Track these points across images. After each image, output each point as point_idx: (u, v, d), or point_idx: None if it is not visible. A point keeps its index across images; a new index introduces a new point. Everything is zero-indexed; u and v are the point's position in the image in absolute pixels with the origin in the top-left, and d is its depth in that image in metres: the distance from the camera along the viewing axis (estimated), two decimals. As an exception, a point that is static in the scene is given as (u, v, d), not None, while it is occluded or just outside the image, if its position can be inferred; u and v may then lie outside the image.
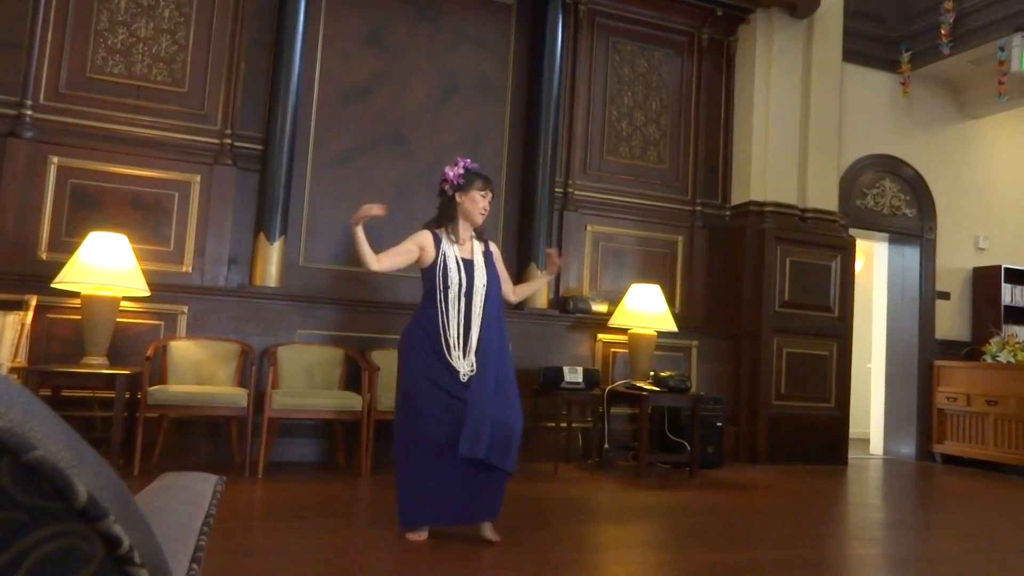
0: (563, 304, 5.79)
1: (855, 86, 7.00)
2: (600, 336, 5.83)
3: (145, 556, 0.59)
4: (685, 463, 5.34)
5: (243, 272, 5.08)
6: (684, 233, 6.33)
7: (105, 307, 4.24)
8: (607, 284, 6.03)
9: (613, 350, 5.88)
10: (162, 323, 4.76)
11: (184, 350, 4.69)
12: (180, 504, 1.10)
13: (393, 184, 5.46)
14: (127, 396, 4.17)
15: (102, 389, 4.24)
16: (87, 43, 4.89)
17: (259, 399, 4.39)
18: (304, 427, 4.92)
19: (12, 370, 4.02)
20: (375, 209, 3.10)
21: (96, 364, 4.19)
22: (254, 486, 4.08)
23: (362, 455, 4.54)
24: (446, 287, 3.17)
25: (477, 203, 3.29)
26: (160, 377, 4.54)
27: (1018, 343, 6.69)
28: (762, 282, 6.19)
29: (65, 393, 4.33)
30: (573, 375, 5.22)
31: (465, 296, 3.18)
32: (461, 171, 3.29)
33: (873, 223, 7.13)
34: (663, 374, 5.33)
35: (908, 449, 7.18)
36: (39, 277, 4.41)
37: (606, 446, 5.44)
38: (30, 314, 4.27)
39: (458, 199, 3.28)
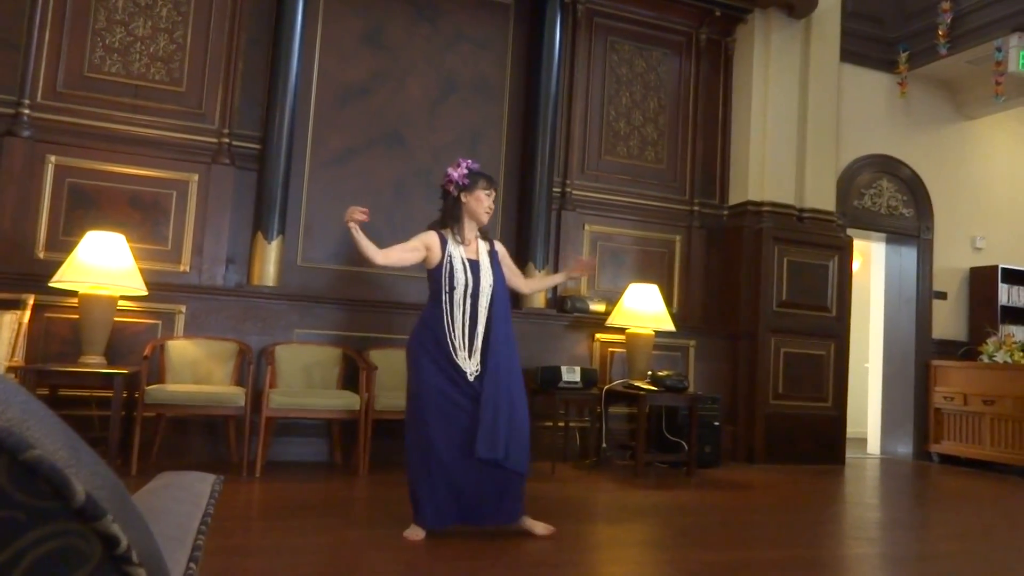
0: (561, 303, 5.79)
1: (853, 86, 7.01)
2: (598, 336, 5.84)
3: (143, 555, 0.59)
4: (682, 462, 5.35)
5: (241, 271, 5.08)
6: (682, 233, 6.34)
7: (103, 306, 4.24)
8: (605, 284, 6.03)
9: (611, 350, 5.89)
10: (160, 322, 4.75)
11: (182, 349, 4.69)
12: (178, 503, 1.10)
13: (391, 183, 5.46)
14: (125, 395, 4.17)
15: (100, 388, 4.23)
16: (85, 42, 4.88)
17: (257, 398, 4.39)
18: (302, 426, 4.92)
19: (10, 369, 4.02)
20: (356, 214, 3.11)
21: (94, 363, 4.18)
22: (252, 485, 4.08)
23: (360, 454, 4.54)
24: (452, 288, 3.19)
25: (482, 202, 3.31)
26: (158, 376, 4.54)
27: (1015, 343, 6.70)
28: (759, 282, 6.19)
29: (63, 392, 4.33)
30: (571, 374, 5.23)
31: (471, 297, 3.20)
32: (465, 171, 3.30)
33: (870, 223, 7.14)
34: (661, 374, 5.33)
35: (905, 449, 7.19)
36: (37, 276, 4.41)
37: (604, 445, 5.45)
38: (27, 313, 4.26)
39: (463, 199, 3.30)
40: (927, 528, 4.33)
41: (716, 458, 5.69)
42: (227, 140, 5.10)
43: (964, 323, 7.45)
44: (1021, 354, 6.58)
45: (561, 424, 5.42)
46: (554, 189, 5.85)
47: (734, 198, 6.50)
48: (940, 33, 6.66)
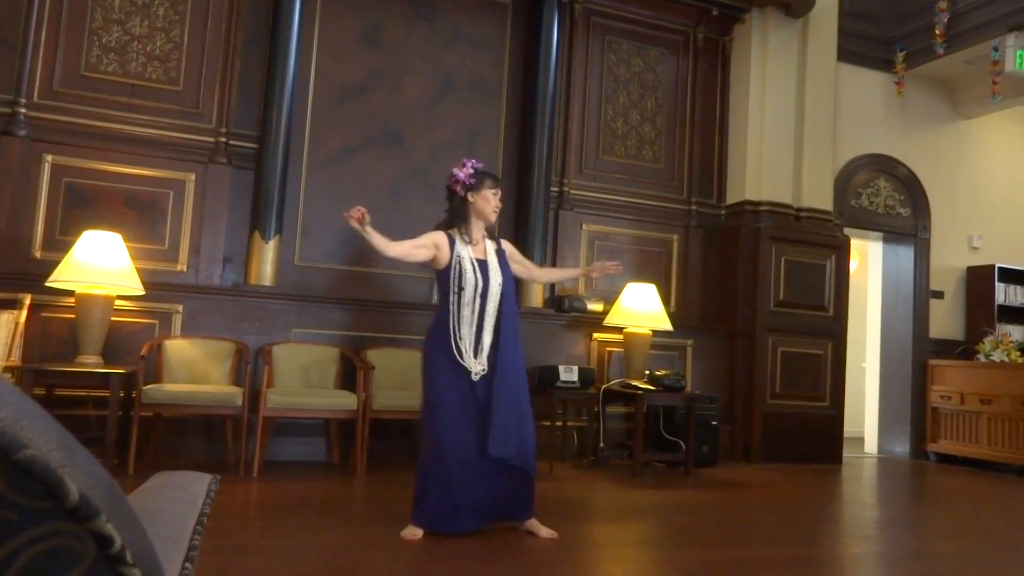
0: (559, 303, 5.79)
1: (850, 86, 7.02)
2: (595, 335, 5.84)
3: (137, 555, 0.59)
4: (680, 462, 5.35)
5: (238, 271, 5.07)
6: (679, 232, 6.34)
7: (99, 306, 4.23)
8: (603, 283, 6.03)
9: (608, 349, 5.89)
10: (157, 322, 4.74)
11: (179, 349, 4.68)
12: (174, 503, 1.10)
13: (388, 183, 5.45)
14: (121, 395, 4.16)
15: (96, 388, 4.22)
16: (81, 41, 4.87)
17: (254, 398, 4.39)
18: (299, 426, 4.91)
19: (6, 369, 4.01)
20: (352, 221, 3.12)
21: (90, 363, 4.17)
22: (249, 485, 4.07)
23: (357, 454, 4.54)
24: (461, 288, 3.20)
25: (490, 201, 3.32)
26: (155, 376, 4.53)
27: (1012, 342, 6.72)
28: (757, 281, 6.20)
29: (59, 392, 4.32)
30: (568, 374, 5.23)
31: (481, 297, 3.21)
32: (471, 171, 3.31)
33: (867, 222, 7.15)
34: (658, 373, 5.33)
35: (902, 448, 7.20)
36: (33, 276, 4.40)
37: (601, 445, 5.45)
38: (24, 313, 4.26)
39: (470, 199, 3.30)
40: (924, 527, 4.33)
41: (714, 457, 5.69)
42: (224, 139, 5.09)
43: (961, 322, 7.47)
44: (1018, 353, 6.59)
45: (559, 424, 5.42)
46: (552, 189, 5.85)
47: (731, 197, 6.51)
48: (937, 33, 6.67)
